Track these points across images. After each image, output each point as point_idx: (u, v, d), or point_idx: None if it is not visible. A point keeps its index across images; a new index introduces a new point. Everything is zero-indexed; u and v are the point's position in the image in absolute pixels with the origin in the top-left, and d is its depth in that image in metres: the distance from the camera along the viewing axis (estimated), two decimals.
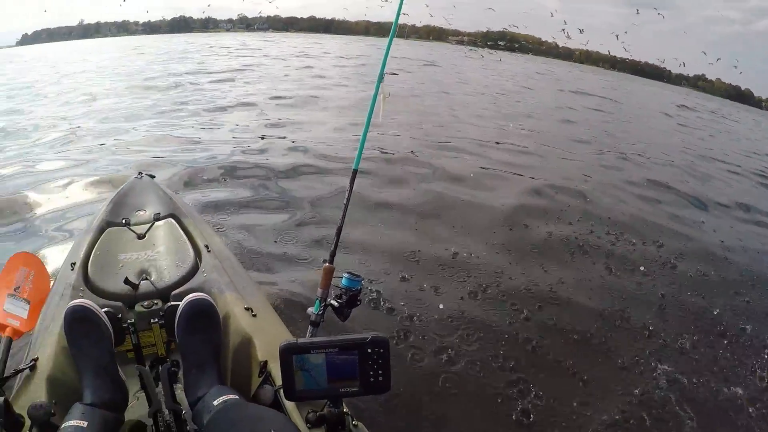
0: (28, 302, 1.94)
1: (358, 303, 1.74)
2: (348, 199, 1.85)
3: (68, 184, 5.78)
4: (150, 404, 1.53)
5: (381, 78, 1.93)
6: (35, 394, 1.49)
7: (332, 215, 4.70)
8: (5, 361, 1.62)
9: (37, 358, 1.64)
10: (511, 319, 3.30)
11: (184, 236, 2.40)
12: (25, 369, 1.60)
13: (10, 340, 1.74)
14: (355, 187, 1.93)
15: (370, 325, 2.98)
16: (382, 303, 3.25)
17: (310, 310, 1.79)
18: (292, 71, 20.85)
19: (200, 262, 2.22)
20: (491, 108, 13.75)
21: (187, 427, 1.55)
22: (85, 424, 1.34)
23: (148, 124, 9.27)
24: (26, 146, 7.98)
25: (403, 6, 2.23)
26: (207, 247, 2.33)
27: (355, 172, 1.87)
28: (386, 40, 2.09)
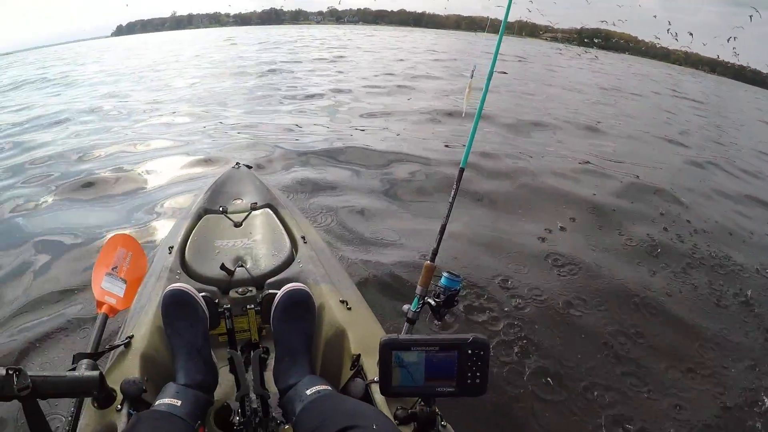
0: (125, 282, 2.02)
1: (456, 303, 1.71)
2: (453, 198, 1.81)
3: (166, 166, 6.11)
4: (238, 388, 1.56)
5: (490, 76, 1.89)
6: (128, 370, 1.55)
7: (428, 209, 4.69)
8: (100, 337, 1.70)
9: (132, 336, 1.70)
10: (611, 331, 3.14)
11: (281, 226, 2.45)
12: (120, 346, 1.66)
13: (105, 317, 1.82)
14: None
15: (462, 326, 2.94)
16: (477, 304, 3.18)
17: (405, 306, 1.78)
18: (384, 62, 20.93)
19: (296, 253, 2.27)
20: (588, 106, 13.24)
21: (272, 413, 1.58)
22: (179, 402, 1.40)
23: (244, 109, 9.62)
24: (128, 128, 8.54)
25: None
26: (303, 238, 2.38)
27: (462, 170, 1.83)
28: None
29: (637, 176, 6.66)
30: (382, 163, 6.10)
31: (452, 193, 1.81)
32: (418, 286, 1.73)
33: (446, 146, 6.92)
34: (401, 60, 22.50)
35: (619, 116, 12.20)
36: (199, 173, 5.61)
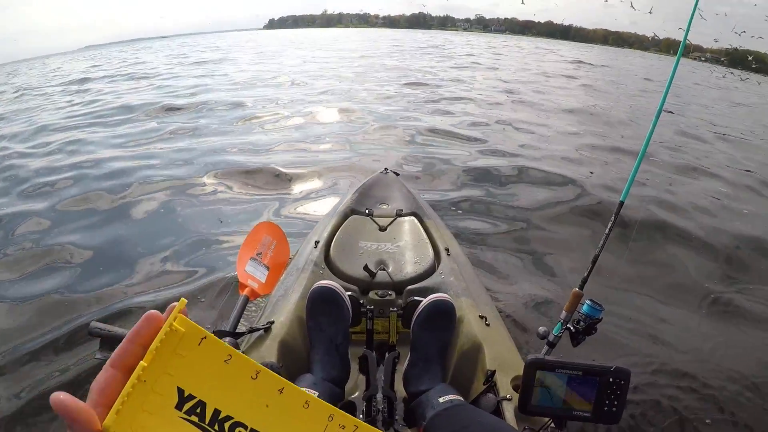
0: (268, 268, 2.10)
1: (594, 332, 1.71)
2: (610, 230, 1.83)
3: (316, 162, 6.32)
4: (367, 387, 1.63)
5: (659, 113, 1.88)
6: (266, 354, 1.63)
7: (577, 237, 4.38)
8: (239, 318, 1.81)
9: (273, 322, 1.78)
10: None
11: (425, 235, 2.47)
12: (260, 330, 1.74)
13: (246, 299, 1.92)
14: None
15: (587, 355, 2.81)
16: (610, 338, 2.99)
17: (542, 329, 1.79)
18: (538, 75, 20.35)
19: (438, 264, 2.28)
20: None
21: (396, 416, 1.61)
22: (316, 393, 1.43)
23: (401, 115, 9.50)
24: (292, 119, 9.08)
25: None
26: (447, 250, 2.38)
27: (621, 203, 1.84)
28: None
29: None
30: (527, 179, 5.83)
31: (609, 225, 1.82)
32: (563, 312, 1.74)
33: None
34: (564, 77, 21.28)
35: None
36: (347, 177, 5.69)
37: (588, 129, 9.28)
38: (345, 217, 2.65)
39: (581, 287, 1.78)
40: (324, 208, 4.16)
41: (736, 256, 4.35)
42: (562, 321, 1.74)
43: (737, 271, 4.09)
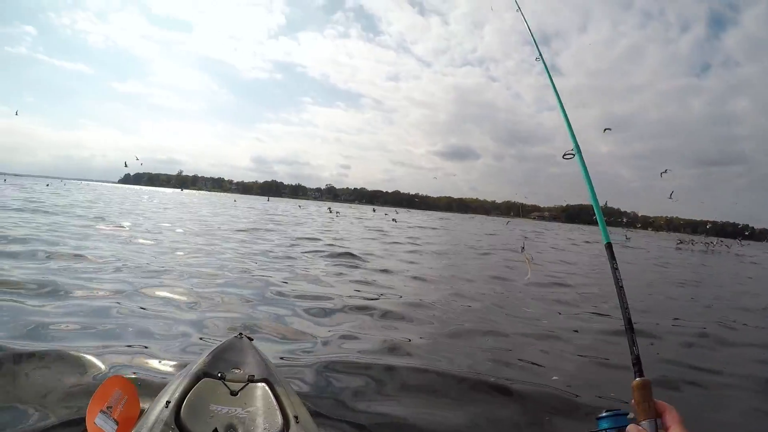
0: (117, 423, 2.17)
1: None
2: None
3: (171, 314, 5.75)
4: None
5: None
6: None
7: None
8: None
9: None
10: None
11: (275, 402, 2.52)
12: None
13: None
14: None
15: None
16: None
17: None
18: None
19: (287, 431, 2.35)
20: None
21: None
22: None
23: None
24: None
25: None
26: (296, 417, 2.42)
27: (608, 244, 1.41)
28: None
29: None
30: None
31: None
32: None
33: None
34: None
35: None
36: (201, 334, 5.22)
37: None
38: (197, 379, 2.64)
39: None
40: (176, 368, 3.98)
41: None
42: None
43: None
